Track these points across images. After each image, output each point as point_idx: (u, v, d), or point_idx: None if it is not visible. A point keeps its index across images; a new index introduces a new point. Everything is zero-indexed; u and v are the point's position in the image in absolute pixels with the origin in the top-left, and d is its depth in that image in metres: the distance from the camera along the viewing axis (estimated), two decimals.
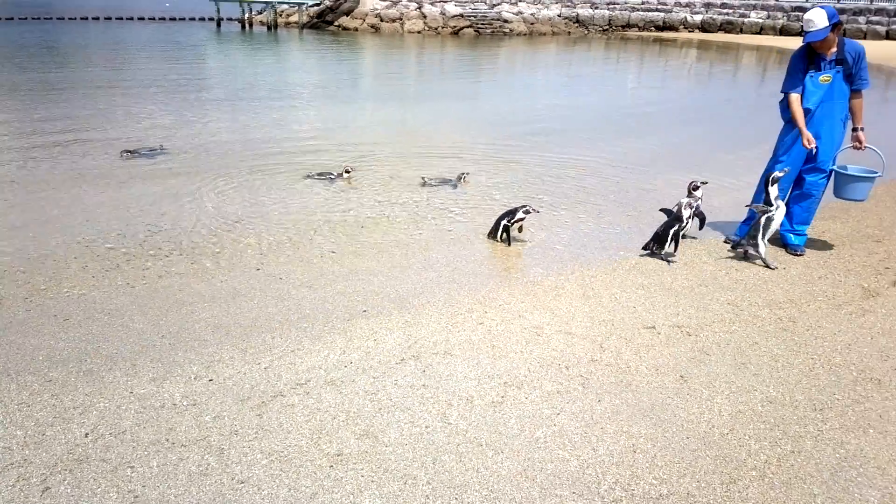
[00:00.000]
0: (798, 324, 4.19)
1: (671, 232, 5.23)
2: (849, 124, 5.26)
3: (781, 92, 5.30)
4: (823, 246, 5.63)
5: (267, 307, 4.35)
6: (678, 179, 7.90)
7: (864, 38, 37.95)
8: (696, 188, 5.38)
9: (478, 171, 8.28)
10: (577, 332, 4.01)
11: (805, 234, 5.47)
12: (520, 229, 5.76)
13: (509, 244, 5.64)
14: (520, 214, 5.62)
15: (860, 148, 5.22)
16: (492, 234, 5.79)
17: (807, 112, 5.18)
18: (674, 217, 5.26)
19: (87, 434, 2.94)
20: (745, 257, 5.27)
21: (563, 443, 2.96)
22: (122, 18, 42.12)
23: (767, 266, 5.11)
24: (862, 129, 5.21)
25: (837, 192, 5.33)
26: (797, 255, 5.36)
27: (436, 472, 2.77)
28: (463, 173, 7.79)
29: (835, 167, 5.29)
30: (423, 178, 7.77)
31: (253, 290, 4.65)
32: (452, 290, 4.64)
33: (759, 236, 5.10)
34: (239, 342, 3.83)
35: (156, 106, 12.42)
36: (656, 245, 5.32)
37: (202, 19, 43.06)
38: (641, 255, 5.37)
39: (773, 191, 5.12)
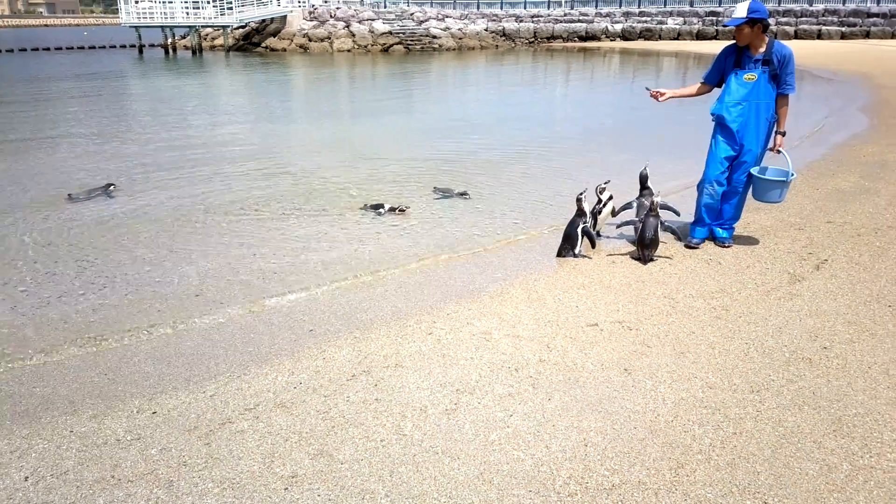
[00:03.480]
0: (731, 311, 4.37)
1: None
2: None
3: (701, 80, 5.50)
4: (750, 237, 5.89)
5: (209, 334, 4.25)
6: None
7: (774, 38, 40.02)
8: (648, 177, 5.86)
9: (421, 184, 8.34)
10: (525, 334, 4.08)
11: (733, 228, 5.71)
12: (614, 213, 5.79)
13: (594, 245, 5.54)
14: (587, 207, 5.42)
15: (774, 150, 5.34)
16: (565, 250, 5.48)
17: (723, 118, 5.28)
18: (654, 216, 5.34)
19: (26, 478, 2.81)
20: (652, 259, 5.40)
21: (517, 443, 3.01)
22: (37, 49, 40.54)
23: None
24: (783, 134, 5.29)
25: (756, 196, 5.49)
26: (725, 247, 5.59)
27: (393, 485, 2.77)
28: (464, 192, 7.76)
29: (755, 171, 5.38)
30: (434, 187, 7.98)
31: (194, 316, 4.54)
32: (400, 304, 4.65)
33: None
34: (182, 372, 3.74)
35: (79, 146, 12.01)
36: (650, 250, 5.34)
37: (123, 46, 41.85)
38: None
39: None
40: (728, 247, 5.58)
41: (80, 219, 6.96)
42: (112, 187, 8.00)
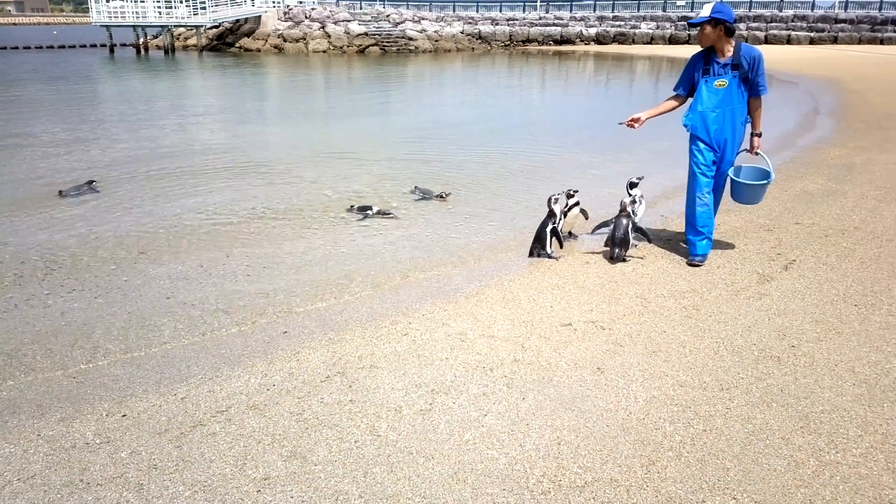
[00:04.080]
0: (701, 311, 4.44)
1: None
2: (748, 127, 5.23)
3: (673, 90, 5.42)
4: (720, 237, 5.97)
5: (180, 336, 4.20)
6: (588, 185, 8.22)
7: (745, 42, 41.00)
8: (634, 185, 5.71)
9: (396, 187, 8.33)
10: (499, 334, 4.10)
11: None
12: (585, 216, 5.70)
13: (561, 245, 5.56)
14: (557, 208, 5.42)
15: (751, 152, 5.26)
16: (536, 250, 5.50)
17: (696, 128, 5.18)
18: (625, 217, 5.35)
19: None
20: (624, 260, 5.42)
21: (491, 442, 3.02)
22: (5, 48, 39.71)
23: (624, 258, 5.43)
24: (759, 135, 5.23)
25: (736, 198, 5.40)
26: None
27: (367, 486, 2.76)
28: (444, 192, 7.69)
29: (730, 173, 5.27)
30: (415, 186, 7.96)
31: (164, 319, 4.48)
32: (375, 304, 4.64)
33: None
34: (152, 374, 3.69)
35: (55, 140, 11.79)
36: (620, 248, 5.36)
37: (93, 46, 41.18)
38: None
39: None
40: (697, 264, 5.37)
41: (48, 221, 6.83)
42: (94, 183, 8.13)
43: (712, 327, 4.18)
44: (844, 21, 43.76)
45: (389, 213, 6.99)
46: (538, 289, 4.86)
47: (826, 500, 2.66)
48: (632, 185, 5.74)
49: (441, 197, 7.63)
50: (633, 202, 5.56)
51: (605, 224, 5.64)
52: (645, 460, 2.89)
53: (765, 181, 5.31)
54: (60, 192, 7.81)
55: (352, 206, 7.23)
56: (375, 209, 7.03)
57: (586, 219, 5.83)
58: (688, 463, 2.88)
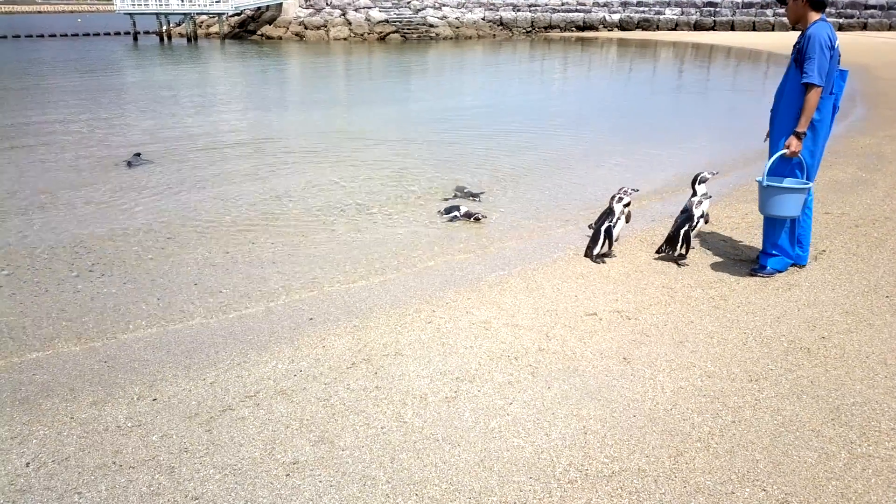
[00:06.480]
0: (729, 301, 4.39)
1: (682, 232, 5.05)
2: None
3: None
4: (748, 227, 5.90)
5: (208, 322, 4.25)
6: (610, 175, 8.17)
7: (754, 29, 40.40)
8: (703, 181, 5.11)
9: (417, 174, 8.33)
10: (524, 323, 4.09)
11: (772, 254, 4.86)
12: (628, 219, 5.22)
13: (610, 247, 5.18)
14: (618, 207, 5.00)
15: (785, 154, 4.43)
16: (591, 251, 5.19)
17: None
18: (685, 217, 5.04)
19: (28, 463, 2.81)
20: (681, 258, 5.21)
21: (517, 431, 3.02)
22: (31, 36, 40.20)
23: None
24: (796, 135, 4.34)
25: (763, 208, 4.53)
26: (752, 274, 4.88)
27: (394, 471, 2.78)
28: (479, 192, 7.40)
29: (761, 178, 4.44)
30: (457, 186, 7.67)
31: (192, 305, 4.53)
32: (399, 293, 4.65)
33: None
34: (182, 359, 3.73)
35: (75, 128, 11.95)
36: (668, 247, 5.18)
37: (117, 34, 41.56)
38: (655, 258, 5.20)
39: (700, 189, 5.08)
40: (758, 275, 4.77)
41: (76, 207, 6.93)
42: (140, 155, 9.17)
43: (740, 318, 4.14)
44: (874, 7, 42.77)
45: (477, 219, 6.42)
46: (562, 278, 4.83)
47: (858, 492, 2.63)
48: (697, 181, 5.16)
49: (475, 196, 7.35)
50: (700, 202, 5.07)
51: (684, 211, 5.30)
52: (673, 451, 2.88)
53: (802, 185, 4.50)
54: (128, 163, 8.77)
55: (439, 212, 6.71)
56: (464, 210, 6.53)
57: (627, 221, 5.48)
58: (716, 454, 2.86)
